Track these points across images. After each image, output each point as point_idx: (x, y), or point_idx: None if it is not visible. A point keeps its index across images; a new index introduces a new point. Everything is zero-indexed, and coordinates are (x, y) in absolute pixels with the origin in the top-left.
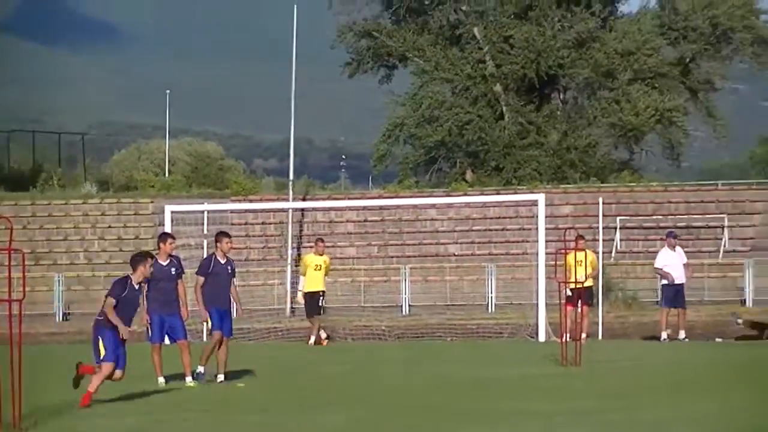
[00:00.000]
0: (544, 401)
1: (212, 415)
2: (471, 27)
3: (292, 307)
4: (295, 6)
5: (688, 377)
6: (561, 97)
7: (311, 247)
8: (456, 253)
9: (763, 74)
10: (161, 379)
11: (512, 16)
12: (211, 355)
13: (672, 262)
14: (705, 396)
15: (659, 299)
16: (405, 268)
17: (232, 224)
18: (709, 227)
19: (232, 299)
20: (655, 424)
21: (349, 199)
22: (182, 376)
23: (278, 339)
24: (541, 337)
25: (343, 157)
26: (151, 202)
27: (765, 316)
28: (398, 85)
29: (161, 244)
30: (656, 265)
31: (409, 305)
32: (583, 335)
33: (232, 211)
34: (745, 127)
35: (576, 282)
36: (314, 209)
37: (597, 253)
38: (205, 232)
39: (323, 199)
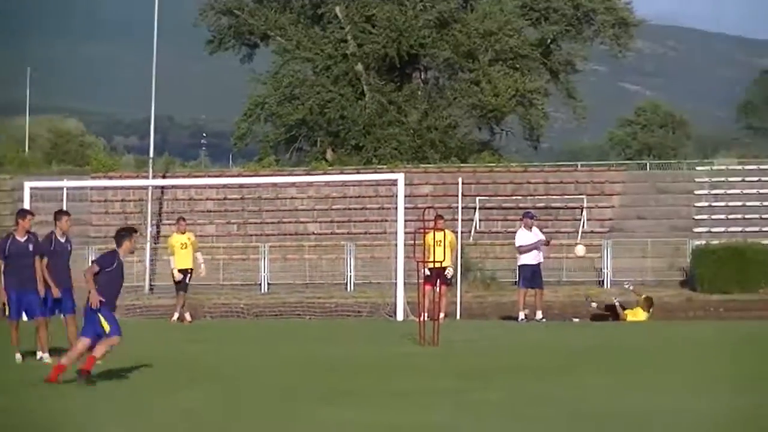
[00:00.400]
0: (402, 380)
1: (71, 391)
2: (333, 6)
3: (151, 285)
4: None
5: (544, 357)
6: (422, 77)
7: (171, 224)
8: (315, 232)
9: (623, 56)
10: (18, 356)
11: None
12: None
13: (529, 242)
14: (559, 376)
15: (517, 279)
16: (264, 247)
17: (92, 201)
18: (568, 208)
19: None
20: (508, 404)
21: (209, 177)
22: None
23: (137, 317)
24: (400, 317)
25: (204, 135)
26: (10, 178)
27: (622, 297)
28: (260, 64)
29: (19, 221)
30: (517, 244)
31: (268, 283)
32: (441, 315)
33: (91, 188)
34: (605, 108)
35: (435, 262)
36: (174, 187)
37: (456, 232)
38: (65, 208)
39: (183, 177)
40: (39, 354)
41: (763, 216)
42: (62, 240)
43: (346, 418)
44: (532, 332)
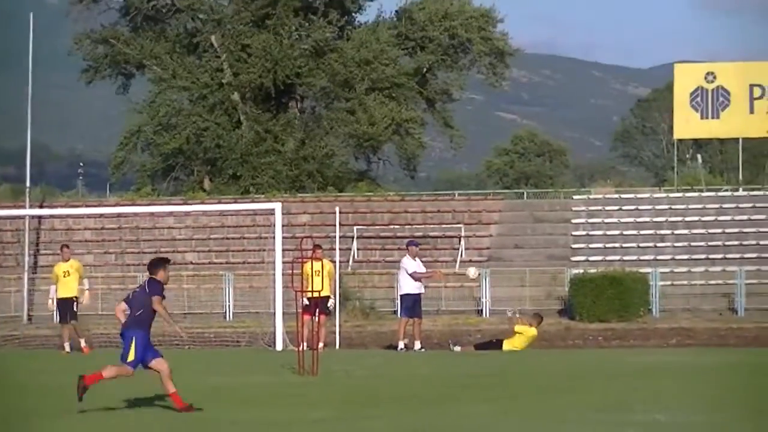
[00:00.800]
0: (280, 410)
1: None
2: (208, 35)
3: (29, 315)
4: (31, 14)
5: (423, 387)
6: (299, 106)
7: (49, 254)
8: (193, 262)
9: (499, 85)
10: None
11: (250, 24)
12: None
13: (415, 270)
14: (437, 405)
15: (400, 308)
16: (142, 276)
17: None
18: (446, 237)
19: None
20: None
21: (87, 206)
22: None
23: (15, 347)
24: (279, 346)
25: (81, 164)
26: None
27: (503, 326)
28: (136, 93)
29: None
30: (409, 271)
31: None
32: (320, 344)
33: None
34: (482, 137)
35: (313, 291)
36: (51, 216)
37: (334, 262)
38: None
39: (61, 207)
40: None
41: (641, 244)
42: None
43: None
44: (411, 362)
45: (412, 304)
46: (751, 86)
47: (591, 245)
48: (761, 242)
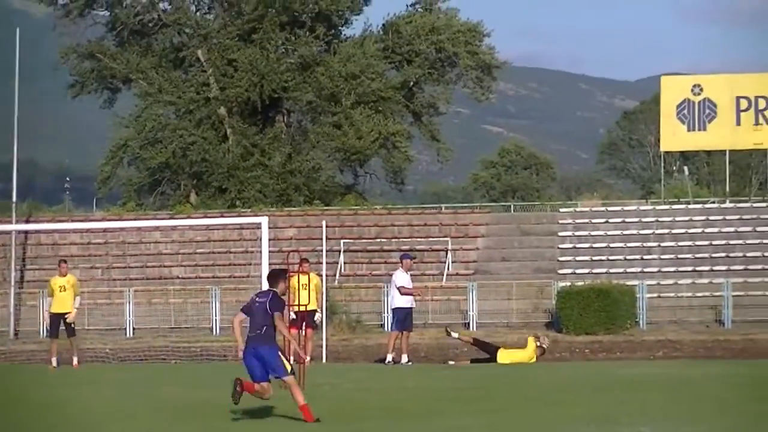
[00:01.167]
0: (268, 424)
1: None
2: (194, 50)
3: (16, 330)
4: (18, 28)
5: (410, 400)
6: (285, 120)
7: (35, 269)
8: (180, 276)
9: (486, 98)
10: None
11: (236, 39)
12: None
13: (408, 284)
14: (425, 419)
15: (392, 322)
16: (129, 291)
17: None
18: (433, 250)
19: None
20: None
21: (73, 221)
22: None
23: (1, 362)
24: None
25: (68, 179)
26: None
27: (489, 339)
28: (123, 107)
29: None
30: (398, 285)
31: (134, 328)
32: (307, 358)
33: None
34: (469, 150)
35: (300, 305)
36: (38, 231)
37: (321, 275)
38: None
39: (47, 221)
40: None
41: (628, 257)
42: None
43: None
44: (398, 375)
45: (404, 318)
46: (738, 98)
47: (578, 258)
48: (748, 254)
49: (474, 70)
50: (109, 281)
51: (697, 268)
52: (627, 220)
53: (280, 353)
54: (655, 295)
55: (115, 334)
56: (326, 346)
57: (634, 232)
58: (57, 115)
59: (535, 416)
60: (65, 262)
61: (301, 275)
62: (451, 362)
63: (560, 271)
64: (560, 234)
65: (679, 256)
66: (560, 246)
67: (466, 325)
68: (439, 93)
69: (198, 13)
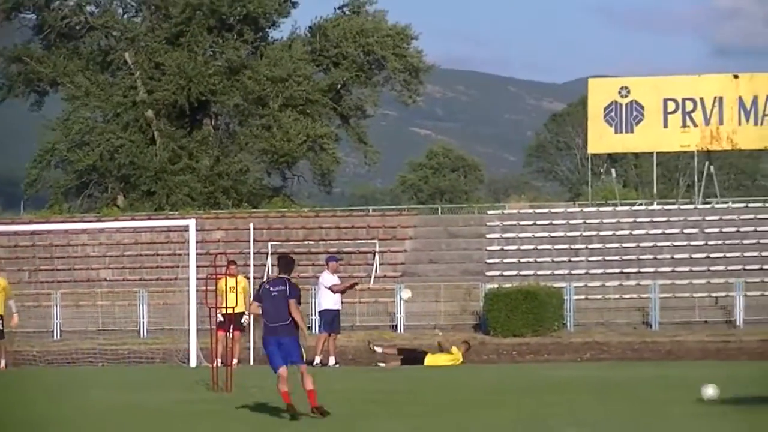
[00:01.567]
0: (195, 427)
1: None
2: (122, 53)
3: None
4: None
5: (338, 403)
6: (213, 123)
7: None
8: (108, 278)
9: (414, 101)
10: None
11: (164, 42)
12: None
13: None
14: (351, 422)
15: (320, 324)
16: (56, 293)
17: None
18: (361, 252)
19: None
20: None
21: (0, 224)
22: None
23: None
24: (193, 363)
25: None
26: None
27: (417, 341)
28: (50, 110)
29: None
30: (327, 286)
31: (61, 330)
32: (235, 360)
33: None
34: (397, 152)
35: (227, 307)
36: None
37: (248, 278)
38: None
39: None
40: None
41: (555, 259)
42: None
43: None
44: (326, 377)
45: (331, 320)
46: (665, 100)
47: (505, 260)
48: (675, 256)
49: (401, 73)
50: (36, 284)
51: (625, 270)
52: (554, 222)
53: (297, 341)
54: (583, 297)
55: (42, 336)
56: (254, 348)
57: (562, 234)
58: None
59: (462, 419)
60: None
61: (228, 278)
62: (378, 348)
63: (488, 273)
64: (488, 236)
65: (607, 258)
66: (488, 248)
67: (394, 327)
68: (367, 96)
69: (125, 16)
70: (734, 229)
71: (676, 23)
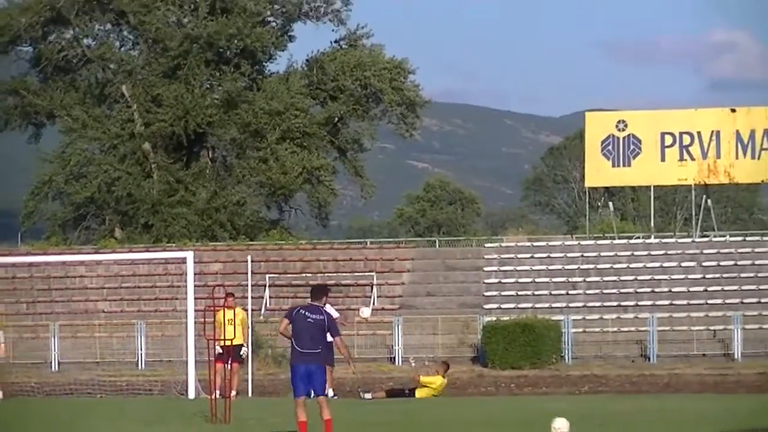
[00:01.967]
0: None
1: None
2: (119, 85)
3: None
4: None
5: None
6: (210, 155)
7: None
8: (105, 310)
9: (410, 135)
10: None
11: (161, 75)
12: None
13: None
14: None
15: None
16: (54, 325)
17: None
18: (359, 285)
19: None
20: None
21: None
22: None
23: None
24: (191, 394)
25: None
26: None
27: (408, 373)
28: (47, 142)
29: None
30: None
31: (59, 362)
32: (233, 392)
33: None
34: (394, 185)
35: (226, 339)
36: None
37: (246, 310)
38: None
39: None
40: None
41: (553, 292)
42: None
43: None
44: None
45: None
46: (662, 134)
47: (503, 293)
48: (673, 289)
49: (399, 107)
50: (34, 315)
51: (623, 303)
52: (552, 255)
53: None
54: (581, 330)
55: (40, 367)
56: (252, 380)
57: (560, 267)
58: None
59: None
60: None
61: (226, 310)
62: (367, 395)
63: (486, 306)
64: (485, 269)
65: (605, 291)
66: (486, 281)
67: (392, 360)
68: (364, 129)
69: (122, 49)
70: (732, 263)
71: (672, 57)
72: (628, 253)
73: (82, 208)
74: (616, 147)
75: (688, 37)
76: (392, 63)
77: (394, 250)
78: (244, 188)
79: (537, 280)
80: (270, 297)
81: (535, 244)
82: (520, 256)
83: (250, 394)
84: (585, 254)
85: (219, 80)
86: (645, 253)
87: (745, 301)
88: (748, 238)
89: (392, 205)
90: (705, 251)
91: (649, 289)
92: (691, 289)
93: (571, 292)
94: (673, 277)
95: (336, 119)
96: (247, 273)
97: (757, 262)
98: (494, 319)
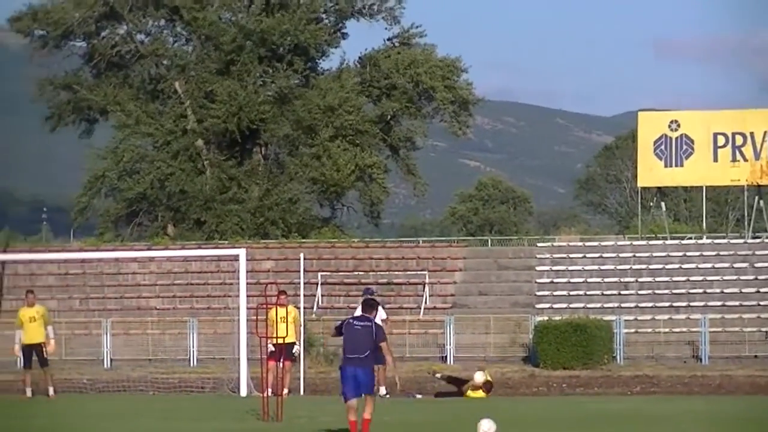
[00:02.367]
0: None
1: None
2: (172, 82)
3: None
4: None
5: None
6: (263, 152)
7: (12, 299)
8: (157, 307)
9: (463, 133)
10: None
11: (214, 71)
12: None
13: None
14: None
15: None
16: (107, 322)
17: None
18: (410, 284)
19: None
20: None
21: (51, 251)
22: None
23: None
24: (243, 392)
25: (44, 209)
26: None
27: (465, 372)
28: (100, 138)
29: None
30: None
31: (111, 359)
32: (285, 390)
33: None
34: (446, 184)
35: (278, 337)
36: (15, 262)
37: (299, 308)
38: None
39: (24, 252)
40: None
41: (605, 292)
42: None
43: None
44: (376, 408)
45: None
46: (715, 134)
47: (555, 292)
48: (725, 290)
49: (451, 105)
50: (86, 311)
51: (675, 304)
52: (604, 255)
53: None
54: (633, 330)
55: (92, 364)
56: (304, 378)
57: (612, 267)
58: (33, 145)
59: None
60: (32, 292)
61: (279, 308)
62: (419, 395)
63: (537, 306)
64: (538, 268)
65: (657, 291)
66: (538, 280)
67: (443, 359)
68: (416, 127)
69: (175, 45)
70: None
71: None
72: (680, 253)
73: (135, 205)
74: (668, 147)
75: (741, 36)
76: (445, 61)
77: (447, 249)
78: (297, 185)
79: (589, 280)
80: (322, 295)
81: (587, 244)
82: (572, 255)
83: (301, 393)
84: (637, 254)
85: (272, 77)
86: (697, 253)
87: None
88: None
89: (444, 204)
90: (757, 252)
91: (701, 290)
92: (743, 290)
93: (623, 292)
94: (725, 278)
95: (388, 117)
96: (299, 271)
97: None
98: (546, 319)
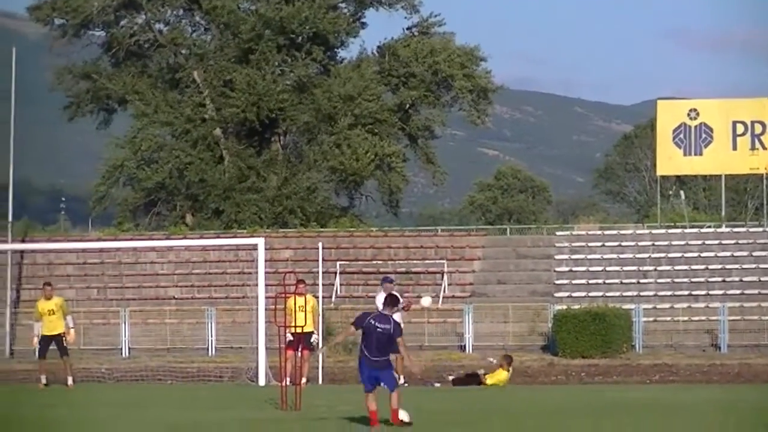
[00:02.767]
0: None
1: None
2: (190, 71)
3: (11, 350)
4: (14, 48)
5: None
6: (281, 141)
7: (31, 289)
8: (176, 296)
9: (482, 122)
10: None
11: (233, 60)
12: None
13: None
14: None
15: None
16: (125, 311)
17: None
18: (429, 273)
19: None
20: None
21: (69, 241)
22: None
23: None
24: (262, 381)
25: (63, 199)
26: None
27: (484, 362)
28: (118, 127)
29: None
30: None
31: (129, 348)
32: (304, 380)
33: None
34: (465, 173)
35: (296, 326)
36: (33, 251)
37: (317, 297)
38: None
39: (43, 241)
40: None
41: (624, 281)
42: None
43: None
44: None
45: None
46: (734, 123)
47: (574, 281)
48: (744, 279)
49: (470, 93)
50: (104, 301)
51: (694, 293)
52: (623, 243)
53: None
54: (652, 319)
55: (110, 353)
56: (322, 367)
57: (631, 255)
58: (51, 134)
59: None
60: (50, 284)
61: (297, 297)
62: (437, 384)
63: (556, 295)
64: (557, 257)
65: (676, 280)
66: (556, 269)
67: (462, 348)
68: (435, 115)
69: (194, 34)
70: None
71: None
72: (699, 242)
73: (153, 194)
74: (687, 135)
75: (759, 25)
76: (463, 49)
77: (465, 237)
78: (316, 174)
79: (608, 268)
80: (341, 284)
81: (606, 232)
82: (591, 244)
83: (320, 382)
84: (656, 243)
85: (291, 66)
86: (716, 242)
87: None
88: None
89: (463, 193)
90: None
91: (720, 279)
92: (762, 278)
93: (641, 281)
94: (744, 266)
95: (407, 106)
96: (317, 260)
97: None
98: (565, 307)
